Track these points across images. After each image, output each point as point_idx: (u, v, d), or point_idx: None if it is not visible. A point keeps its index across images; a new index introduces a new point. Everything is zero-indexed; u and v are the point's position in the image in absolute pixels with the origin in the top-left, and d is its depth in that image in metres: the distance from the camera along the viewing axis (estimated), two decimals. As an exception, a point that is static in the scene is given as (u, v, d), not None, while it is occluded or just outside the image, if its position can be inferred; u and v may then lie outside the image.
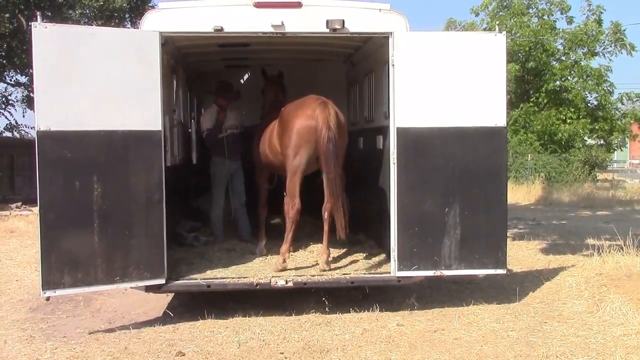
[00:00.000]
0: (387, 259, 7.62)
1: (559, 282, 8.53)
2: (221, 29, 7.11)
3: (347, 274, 7.45)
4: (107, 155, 6.68)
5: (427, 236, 7.18)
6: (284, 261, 7.63)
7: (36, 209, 6.63)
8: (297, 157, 7.56)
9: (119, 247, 6.73)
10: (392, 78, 7.20)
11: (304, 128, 7.48)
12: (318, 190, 7.62)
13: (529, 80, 29.92)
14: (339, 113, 7.66)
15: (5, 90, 27.51)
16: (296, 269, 7.71)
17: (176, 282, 7.16)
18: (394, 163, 7.18)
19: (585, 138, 30.03)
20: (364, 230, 9.39)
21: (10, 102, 27.88)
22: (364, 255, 8.31)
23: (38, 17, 6.50)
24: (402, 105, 7.16)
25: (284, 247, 7.67)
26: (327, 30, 7.20)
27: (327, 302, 7.21)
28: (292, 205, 7.60)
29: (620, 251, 9.06)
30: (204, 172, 9.76)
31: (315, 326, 6.83)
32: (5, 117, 28.31)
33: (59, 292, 6.59)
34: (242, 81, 11.68)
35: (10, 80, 26.83)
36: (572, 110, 28.13)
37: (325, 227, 7.62)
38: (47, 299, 6.67)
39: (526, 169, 26.44)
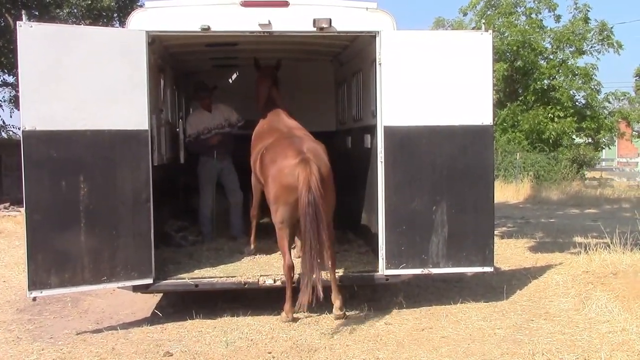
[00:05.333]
0: (376, 258, 7.62)
1: (546, 280, 8.58)
2: (208, 28, 7.08)
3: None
4: (94, 155, 6.64)
5: (415, 235, 7.20)
6: (289, 316, 6.95)
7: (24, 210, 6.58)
8: (277, 213, 6.98)
9: (106, 247, 6.69)
10: (379, 77, 7.21)
11: (283, 188, 6.84)
12: None
13: (518, 79, 30.03)
14: (323, 164, 6.90)
15: (-7, 90, 27.41)
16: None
17: (164, 282, 7.13)
18: (382, 162, 7.19)
19: (574, 137, 30.16)
20: (353, 228, 9.40)
21: (-2, 102, 27.77)
22: (353, 254, 8.30)
23: (23, 16, 6.47)
24: (389, 104, 7.17)
25: (286, 306, 6.97)
26: (314, 29, 7.19)
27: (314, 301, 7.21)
28: (283, 261, 6.93)
29: (607, 249, 9.11)
30: (192, 171, 9.72)
31: (304, 325, 6.83)
32: (-7, 118, 28.19)
33: (46, 292, 6.54)
34: (230, 80, 11.65)
35: (-2, 80, 26.73)
36: (560, 108, 28.24)
37: None
38: (34, 299, 6.63)
39: (515, 167, 26.52)
